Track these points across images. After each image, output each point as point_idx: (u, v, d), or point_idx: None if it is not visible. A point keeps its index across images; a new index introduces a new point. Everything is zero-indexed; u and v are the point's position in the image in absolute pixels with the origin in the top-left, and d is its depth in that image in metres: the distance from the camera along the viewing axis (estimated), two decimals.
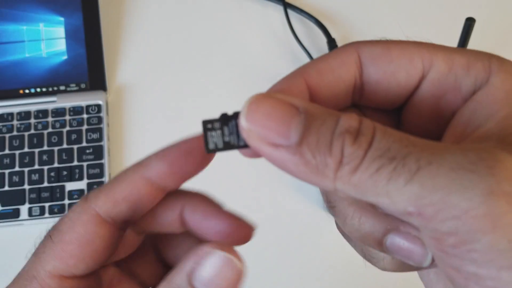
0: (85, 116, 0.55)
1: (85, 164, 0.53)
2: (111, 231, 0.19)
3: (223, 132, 0.17)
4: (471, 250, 0.14)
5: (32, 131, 0.54)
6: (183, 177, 0.19)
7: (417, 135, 0.16)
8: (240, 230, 0.19)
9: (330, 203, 0.19)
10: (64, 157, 0.53)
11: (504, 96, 0.16)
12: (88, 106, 0.55)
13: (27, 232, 0.53)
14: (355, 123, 0.15)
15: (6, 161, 0.53)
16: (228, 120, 0.17)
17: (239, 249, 0.19)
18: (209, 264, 0.18)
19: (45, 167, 0.53)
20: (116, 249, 0.20)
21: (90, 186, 0.52)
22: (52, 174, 0.53)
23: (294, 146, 0.15)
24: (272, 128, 0.16)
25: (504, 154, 0.14)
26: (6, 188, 0.52)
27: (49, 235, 0.19)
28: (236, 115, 0.17)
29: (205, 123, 0.17)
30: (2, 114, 0.55)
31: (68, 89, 0.56)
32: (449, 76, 0.17)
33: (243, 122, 0.17)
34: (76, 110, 0.55)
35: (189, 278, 0.18)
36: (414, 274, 0.52)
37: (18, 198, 0.52)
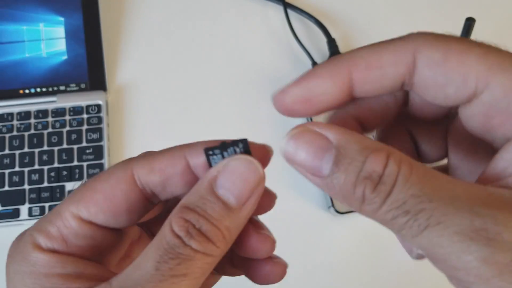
0: (85, 116, 0.55)
1: (85, 164, 0.53)
2: (138, 196, 0.21)
3: (223, 156, 0.19)
4: None
5: (32, 131, 0.54)
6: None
7: (463, 145, 0.18)
8: (264, 199, 0.21)
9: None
10: (64, 157, 0.53)
11: None
12: (88, 106, 0.55)
13: None
14: (379, 169, 0.16)
15: (6, 161, 0.53)
16: (227, 147, 0.19)
17: None
18: (231, 168, 0.19)
19: (45, 167, 0.53)
20: (138, 218, 0.21)
21: None
22: (52, 174, 0.53)
23: (326, 177, 0.17)
24: (307, 162, 0.18)
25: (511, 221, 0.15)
26: (6, 188, 0.52)
27: (86, 181, 0.21)
28: (234, 142, 0.19)
29: (206, 150, 0.19)
30: (2, 114, 0.55)
31: (68, 89, 0.56)
32: (502, 102, 0.16)
33: (284, 154, 0.19)
34: (76, 110, 0.55)
35: (211, 185, 0.19)
36: (418, 276, 0.52)
37: (18, 198, 0.52)
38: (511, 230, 0.15)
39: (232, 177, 0.19)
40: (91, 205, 0.20)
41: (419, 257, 0.21)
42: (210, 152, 0.19)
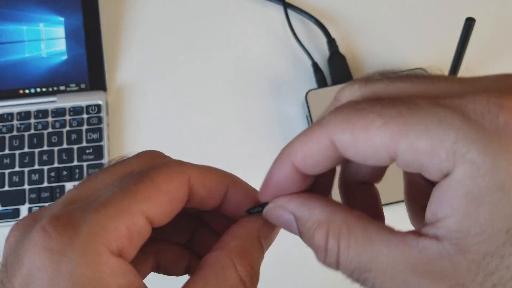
0: (85, 116, 0.55)
1: (85, 164, 0.53)
2: (184, 203, 0.22)
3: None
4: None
5: (32, 131, 0.54)
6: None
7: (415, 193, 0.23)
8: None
9: None
10: (64, 157, 0.53)
11: (466, 194, 0.17)
12: (88, 106, 0.55)
13: None
14: (323, 245, 0.20)
15: (6, 161, 0.53)
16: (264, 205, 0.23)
17: None
18: (270, 223, 0.23)
19: (45, 167, 0.53)
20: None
21: None
22: (52, 174, 0.53)
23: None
24: (283, 228, 0.23)
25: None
26: (6, 188, 0.52)
27: (147, 177, 0.21)
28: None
29: (248, 211, 0.24)
30: (2, 114, 0.55)
31: (68, 89, 0.56)
32: (415, 163, 0.18)
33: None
34: (76, 110, 0.55)
35: (258, 234, 0.23)
36: None
37: (18, 198, 0.52)
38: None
39: (269, 229, 0.23)
40: (158, 205, 0.20)
41: None
42: (253, 210, 0.24)
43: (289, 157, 0.21)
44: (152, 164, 0.22)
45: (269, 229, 0.23)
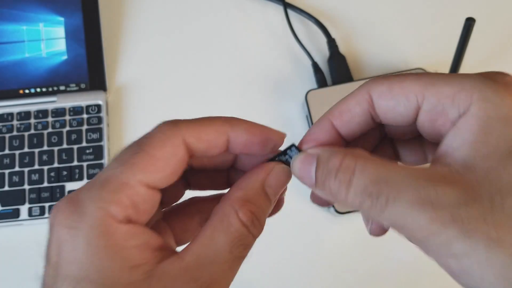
0: (85, 116, 0.55)
1: (85, 164, 0.53)
2: (185, 160, 0.23)
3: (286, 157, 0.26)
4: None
5: (32, 131, 0.54)
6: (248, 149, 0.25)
7: (430, 146, 0.26)
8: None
9: None
10: (64, 157, 0.53)
11: (478, 124, 0.21)
12: (88, 106, 0.55)
13: (27, 232, 0.53)
14: (337, 163, 0.22)
15: (6, 161, 0.53)
16: (285, 153, 0.26)
17: None
18: (275, 173, 0.25)
19: (45, 167, 0.53)
20: (176, 179, 0.24)
21: None
22: (52, 174, 0.53)
23: (314, 185, 0.24)
24: (302, 174, 0.24)
25: (447, 189, 0.20)
26: (6, 188, 0.52)
27: (140, 148, 0.22)
28: (289, 148, 0.26)
29: (270, 159, 0.26)
30: (2, 114, 0.55)
31: (68, 89, 0.56)
32: (438, 106, 0.22)
33: (293, 172, 0.25)
34: (76, 110, 0.55)
35: (262, 184, 0.24)
36: (418, 275, 0.52)
37: (18, 198, 0.52)
38: (445, 193, 0.20)
39: (275, 179, 0.25)
40: (155, 172, 0.22)
41: (374, 232, 0.27)
42: (276, 158, 0.26)
43: (327, 114, 0.26)
44: (147, 132, 0.24)
45: (274, 178, 0.25)
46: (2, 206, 0.52)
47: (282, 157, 0.26)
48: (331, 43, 0.58)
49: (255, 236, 0.24)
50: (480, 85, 0.21)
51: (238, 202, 0.23)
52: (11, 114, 0.55)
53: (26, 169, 0.53)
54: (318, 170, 0.23)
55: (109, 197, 0.21)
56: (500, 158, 0.20)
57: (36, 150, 0.54)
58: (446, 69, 0.54)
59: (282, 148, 0.26)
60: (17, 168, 0.53)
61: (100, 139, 0.54)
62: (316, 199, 0.27)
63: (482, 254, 0.19)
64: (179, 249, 0.24)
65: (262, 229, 0.24)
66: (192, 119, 0.24)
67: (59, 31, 0.57)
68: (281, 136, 0.26)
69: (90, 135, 0.54)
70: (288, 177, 0.25)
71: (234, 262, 0.23)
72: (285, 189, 0.26)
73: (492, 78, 0.22)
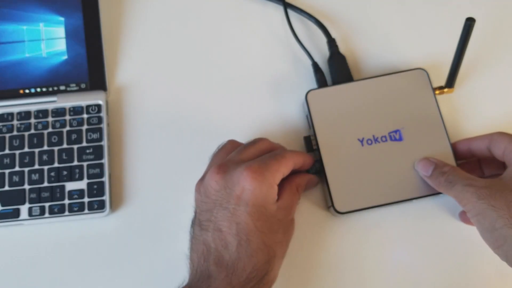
0: (85, 116, 0.55)
1: (85, 164, 0.53)
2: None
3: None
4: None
5: (32, 131, 0.54)
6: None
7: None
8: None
9: None
10: (64, 157, 0.53)
11: None
12: (88, 106, 0.55)
13: (27, 232, 0.53)
14: (446, 169, 0.47)
15: (6, 161, 0.53)
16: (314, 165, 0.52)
17: None
18: (311, 178, 0.52)
19: (45, 167, 0.53)
20: None
21: (90, 186, 0.52)
22: (52, 174, 0.53)
23: (429, 176, 0.48)
24: (422, 170, 0.49)
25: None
26: (6, 188, 0.52)
27: (283, 157, 0.46)
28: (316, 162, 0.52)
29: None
30: (2, 114, 0.55)
31: (68, 89, 0.56)
32: (505, 155, 0.46)
33: (416, 167, 0.50)
34: (76, 110, 0.55)
35: (302, 184, 0.50)
36: (418, 276, 0.52)
37: (18, 198, 0.52)
38: (481, 182, 0.44)
39: (311, 181, 0.52)
40: (286, 170, 0.46)
41: (462, 215, 0.52)
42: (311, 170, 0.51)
43: (466, 139, 0.51)
44: (279, 148, 0.49)
45: (302, 182, 0.49)
46: (2, 206, 0.52)
47: (313, 167, 0.51)
48: (331, 43, 0.58)
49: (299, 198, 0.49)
50: None
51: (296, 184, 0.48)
52: (11, 114, 0.55)
53: (26, 169, 0.53)
54: (435, 170, 0.47)
55: (274, 174, 0.44)
56: None
57: (36, 150, 0.54)
58: (446, 69, 0.54)
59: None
60: (17, 168, 0.53)
61: (100, 139, 0.54)
62: (465, 220, 0.51)
63: (486, 211, 0.41)
64: None
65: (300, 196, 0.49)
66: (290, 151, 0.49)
67: (59, 31, 0.57)
68: (312, 160, 0.51)
69: (90, 135, 0.54)
70: (316, 180, 0.53)
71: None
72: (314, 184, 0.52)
73: None
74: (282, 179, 0.46)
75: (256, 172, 0.42)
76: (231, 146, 0.49)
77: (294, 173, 0.48)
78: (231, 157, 0.46)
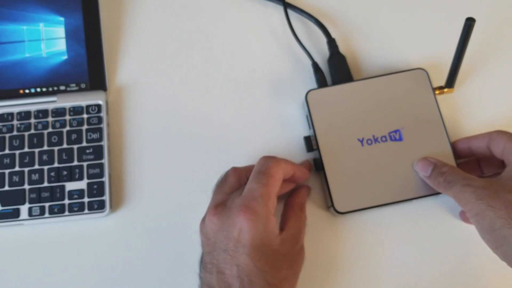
0: (85, 116, 0.55)
1: (85, 164, 0.53)
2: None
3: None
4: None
5: (32, 131, 0.54)
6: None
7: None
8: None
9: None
10: (64, 157, 0.53)
11: None
12: (88, 106, 0.55)
13: (27, 232, 0.53)
14: (445, 169, 0.47)
15: (6, 161, 0.53)
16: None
17: None
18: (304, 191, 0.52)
19: (45, 167, 0.53)
20: None
21: (90, 186, 0.52)
22: (52, 174, 0.53)
23: (428, 176, 0.48)
24: (421, 170, 0.49)
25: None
26: (6, 188, 0.52)
27: (270, 176, 0.44)
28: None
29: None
30: (2, 114, 0.55)
31: (68, 89, 0.56)
32: (504, 154, 0.46)
33: (415, 167, 0.50)
34: (76, 110, 0.55)
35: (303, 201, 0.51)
36: (418, 276, 0.52)
37: (18, 198, 0.52)
38: (479, 182, 0.44)
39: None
40: (278, 188, 0.45)
41: (462, 215, 0.52)
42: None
43: (487, 135, 0.49)
44: (265, 164, 0.45)
45: (303, 200, 0.51)
46: (2, 206, 0.52)
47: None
48: (331, 43, 0.58)
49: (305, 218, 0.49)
50: None
51: (298, 206, 0.49)
52: (11, 114, 0.55)
53: (26, 169, 0.53)
54: (434, 170, 0.47)
55: (268, 205, 0.42)
56: None
57: (36, 150, 0.54)
58: (446, 69, 0.54)
59: None
60: (17, 168, 0.53)
61: (100, 139, 0.54)
62: (466, 220, 0.52)
63: (485, 211, 0.41)
64: None
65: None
66: (280, 159, 0.47)
67: (59, 31, 0.57)
68: (306, 174, 0.51)
69: (90, 135, 0.54)
70: (309, 189, 0.53)
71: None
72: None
73: None
74: (284, 199, 0.49)
75: (248, 210, 0.41)
76: (232, 178, 0.48)
77: (292, 187, 0.51)
78: (231, 196, 0.45)
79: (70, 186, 0.53)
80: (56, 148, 0.54)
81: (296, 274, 0.44)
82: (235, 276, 0.40)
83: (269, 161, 0.45)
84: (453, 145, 0.51)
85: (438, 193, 0.49)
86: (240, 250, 0.40)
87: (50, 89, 0.56)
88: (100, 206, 0.52)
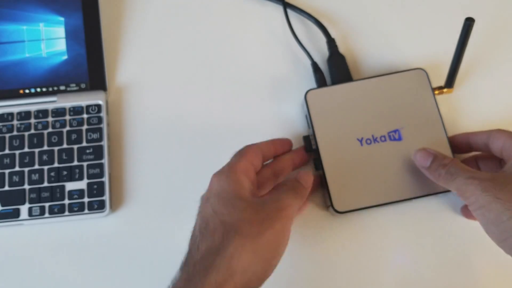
0: (85, 116, 0.55)
1: (85, 164, 0.53)
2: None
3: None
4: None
5: (32, 131, 0.54)
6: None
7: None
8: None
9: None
10: (64, 157, 0.53)
11: None
12: (88, 106, 0.55)
13: (27, 232, 0.53)
14: (447, 161, 0.46)
15: (6, 161, 0.53)
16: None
17: None
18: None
19: (45, 167, 0.53)
20: None
21: (90, 186, 0.52)
22: (52, 174, 0.53)
23: (428, 168, 0.47)
24: (421, 160, 0.48)
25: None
26: (6, 188, 0.53)
27: (243, 153, 0.46)
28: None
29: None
30: (2, 114, 0.55)
31: (68, 89, 0.56)
32: (504, 151, 0.46)
33: (414, 157, 0.49)
34: (76, 110, 0.55)
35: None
36: (417, 276, 0.52)
37: (18, 198, 0.52)
38: (484, 175, 0.43)
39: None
40: (255, 160, 0.47)
41: (464, 210, 0.52)
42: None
43: (486, 133, 0.49)
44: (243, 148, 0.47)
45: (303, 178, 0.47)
46: (2, 206, 0.52)
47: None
48: (331, 43, 0.58)
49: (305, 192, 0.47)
50: None
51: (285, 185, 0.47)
52: (11, 114, 0.55)
53: (26, 169, 0.53)
54: (434, 162, 0.46)
55: (240, 169, 0.44)
56: None
57: (36, 150, 0.54)
58: (445, 69, 0.54)
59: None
60: (17, 168, 0.53)
61: (100, 139, 0.54)
62: (467, 215, 0.52)
63: (491, 203, 0.40)
64: None
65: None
66: (262, 142, 0.49)
67: (59, 31, 0.57)
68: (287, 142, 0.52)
69: (90, 135, 0.54)
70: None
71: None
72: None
73: None
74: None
75: (217, 172, 0.44)
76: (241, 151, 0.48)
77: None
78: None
79: (70, 186, 0.53)
80: (56, 148, 0.54)
81: (263, 221, 0.40)
82: (198, 226, 0.43)
83: (250, 145, 0.48)
84: (452, 138, 0.51)
85: (438, 193, 0.49)
86: (207, 203, 0.43)
87: (50, 89, 0.56)
88: (100, 206, 0.52)
